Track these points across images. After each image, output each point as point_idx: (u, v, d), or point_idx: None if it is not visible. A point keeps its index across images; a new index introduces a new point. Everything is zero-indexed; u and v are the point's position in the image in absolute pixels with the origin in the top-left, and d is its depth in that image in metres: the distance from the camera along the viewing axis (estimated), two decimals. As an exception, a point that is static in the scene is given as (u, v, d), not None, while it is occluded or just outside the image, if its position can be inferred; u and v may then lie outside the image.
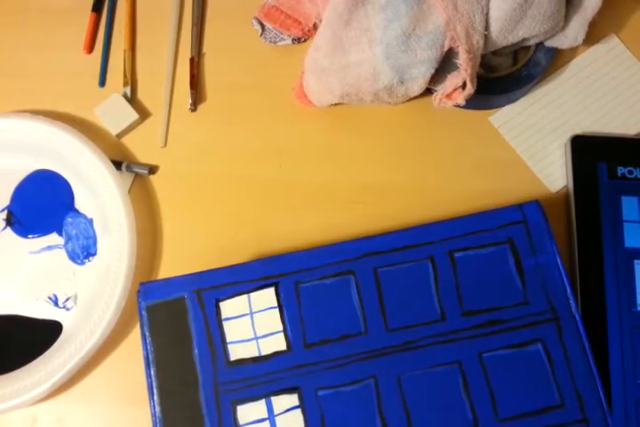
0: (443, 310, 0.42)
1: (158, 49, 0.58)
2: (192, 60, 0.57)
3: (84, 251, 0.53)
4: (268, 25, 0.56)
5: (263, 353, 0.42)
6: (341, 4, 0.48)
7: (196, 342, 0.43)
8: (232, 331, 0.43)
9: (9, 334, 0.52)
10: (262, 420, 0.41)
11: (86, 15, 0.59)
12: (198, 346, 0.43)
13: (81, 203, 0.54)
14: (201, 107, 0.57)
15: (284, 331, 0.43)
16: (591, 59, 0.55)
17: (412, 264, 0.43)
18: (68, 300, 0.52)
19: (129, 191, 0.54)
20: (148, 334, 0.43)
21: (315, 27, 0.56)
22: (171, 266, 0.53)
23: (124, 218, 0.51)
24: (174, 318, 0.43)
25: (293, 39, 0.56)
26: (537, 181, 0.53)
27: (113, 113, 0.56)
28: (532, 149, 0.54)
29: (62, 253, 0.53)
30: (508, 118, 0.54)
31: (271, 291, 0.43)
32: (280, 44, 0.57)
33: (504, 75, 0.52)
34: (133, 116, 0.55)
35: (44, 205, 0.54)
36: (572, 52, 0.55)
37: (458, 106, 0.49)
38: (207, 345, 0.43)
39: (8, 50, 0.59)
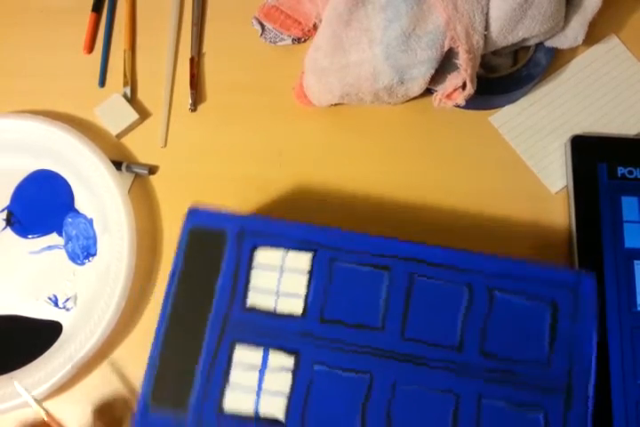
0: (463, 340, 0.42)
1: (158, 49, 0.58)
2: (192, 59, 0.57)
3: (83, 251, 0.53)
4: (267, 25, 0.56)
5: (278, 311, 0.42)
6: (341, 4, 0.48)
7: (221, 276, 0.43)
8: (258, 279, 0.43)
9: (9, 335, 0.52)
10: (254, 368, 0.41)
11: (86, 15, 0.59)
12: (222, 281, 0.43)
13: (81, 203, 0.54)
14: (201, 107, 0.57)
15: (306, 297, 0.43)
16: (591, 59, 0.55)
17: (450, 285, 0.43)
18: (67, 300, 0.52)
19: (129, 191, 0.54)
20: (182, 254, 0.43)
21: (315, 27, 0.56)
22: (170, 266, 0.53)
23: (123, 218, 0.51)
24: (211, 248, 0.44)
25: (293, 39, 0.56)
26: (537, 181, 0.53)
27: (113, 113, 0.56)
28: (532, 149, 0.54)
29: (62, 254, 0.53)
30: (508, 118, 0.54)
31: (309, 256, 0.43)
32: (280, 44, 0.57)
33: (504, 75, 0.52)
34: (133, 116, 0.55)
35: (43, 205, 0.54)
36: (572, 52, 0.55)
37: (458, 106, 0.49)
38: (231, 283, 0.43)
39: (8, 50, 0.59)
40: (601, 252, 0.49)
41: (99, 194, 0.52)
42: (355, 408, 0.41)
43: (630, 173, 0.51)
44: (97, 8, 0.60)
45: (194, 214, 0.44)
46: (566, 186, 0.52)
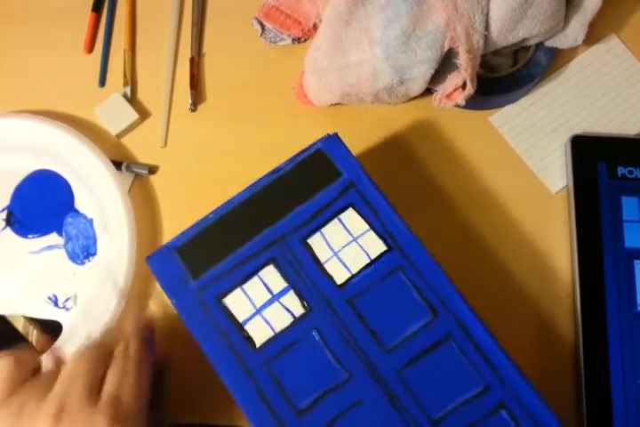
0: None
1: (158, 49, 0.58)
2: (192, 59, 0.57)
3: (83, 251, 0.53)
4: (268, 25, 0.56)
5: (327, 266, 0.43)
6: (341, 4, 0.48)
7: (307, 205, 0.44)
8: (330, 230, 0.44)
9: (9, 335, 0.52)
10: (270, 292, 0.43)
11: (86, 15, 0.59)
12: (304, 209, 0.44)
13: (81, 203, 0.54)
14: (201, 107, 0.57)
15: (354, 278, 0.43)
16: (591, 59, 0.55)
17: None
18: (67, 300, 0.52)
19: (129, 191, 0.54)
20: (295, 162, 0.46)
21: (315, 27, 0.56)
22: (171, 266, 0.53)
23: (123, 218, 0.51)
24: (319, 176, 0.45)
25: (293, 39, 0.56)
26: (537, 180, 0.53)
27: (113, 113, 0.56)
28: (532, 148, 0.54)
29: (62, 253, 0.53)
30: (508, 118, 0.54)
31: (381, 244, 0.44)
32: (280, 44, 0.57)
33: (504, 75, 0.52)
34: (133, 116, 0.55)
35: (43, 205, 0.54)
36: (572, 51, 0.55)
37: (458, 106, 0.49)
38: (308, 215, 0.44)
39: (8, 50, 0.59)
40: (601, 251, 0.49)
41: (99, 194, 0.52)
42: (320, 386, 0.41)
43: (630, 172, 0.51)
44: (97, 8, 0.60)
45: (331, 139, 0.45)
46: (566, 186, 0.52)
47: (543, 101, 0.55)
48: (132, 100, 0.57)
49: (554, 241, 0.51)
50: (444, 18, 0.46)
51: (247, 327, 0.42)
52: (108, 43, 0.59)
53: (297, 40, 0.56)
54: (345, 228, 0.44)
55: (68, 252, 0.53)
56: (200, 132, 0.56)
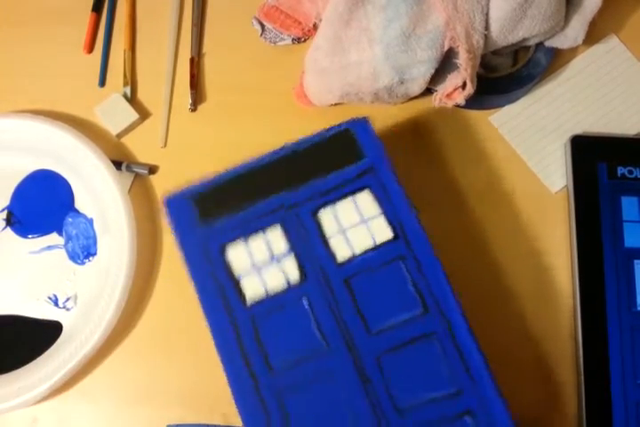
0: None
1: (158, 49, 0.58)
2: (192, 60, 0.57)
3: (84, 251, 0.53)
4: (268, 25, 0.56)
5: (331, 243, 0.44)
6: (342, 4, 0.48)
7: (326, 180, 0.45)
8: (342, 208, 0.44)
9: (9, 334, 0.52)
10: (271, 251, 0.44)
11: (86, 15, 0.59)
12: (322, 183, 0.45)
13: (81, 203, 0.54)
14: (201, 107, 0.57)
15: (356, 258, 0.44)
16: (591, 59, 0.55)
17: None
18: (68, 300, 0.52)
19: (129, 191, 0.54)
20: (326, 134, 0.46)
21: (315, 27, 0.56)
22: (171, 266, 0.53)
23: (124, 218, 0.51)
24: (340, 153, 0.45)
25: (293, 39, 0.56)
26: (537, 180, 0.53)
27: (113, 113, 0.56)
28: (532, 148, 0.54)
29: (62, 253, 0.53)
30: (508, 118, 0.54)
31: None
32: (280, 43, 0.57)
33: (504, 75, 0.52)
34: (133, 116, 0.55)
35: (44, 205, 0.54)
36: (572, 52, 0.55)
37: (458, 106, 0.49)
38: (324, 188, 0.45)
39: (8, 50, 0.59)
40: (601, 251, 0.49)
41: (99, 194, 0.52)
42: (297, 351, 0.42)
43: (630, 172, 0.51)
44: (97, 8, 0.60)
45: (361, 122, 0.46)
46: (566, 186, 0.52)
47: (543, 101, 0.55)
48: (132, 99, 0.57)
49: (554, 241, 0.51)
50: (443, 17, 0.46)
51: (242, 283, 0.43)
52: (108, 43, 0.59)
53: (297, 40, 0.56)
54: (357, 208, 0.44)
55: (68, 252, 0.53)
56: (200, 132, 0.56)
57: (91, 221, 0.54)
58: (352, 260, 0.43)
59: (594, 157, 0.51)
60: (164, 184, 0.55)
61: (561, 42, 0.52)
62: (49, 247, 0.54)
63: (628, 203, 0.50)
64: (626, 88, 0.54)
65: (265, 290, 0.43)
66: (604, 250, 0.49)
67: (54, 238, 0.54)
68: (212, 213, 0.45)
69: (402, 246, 0.43)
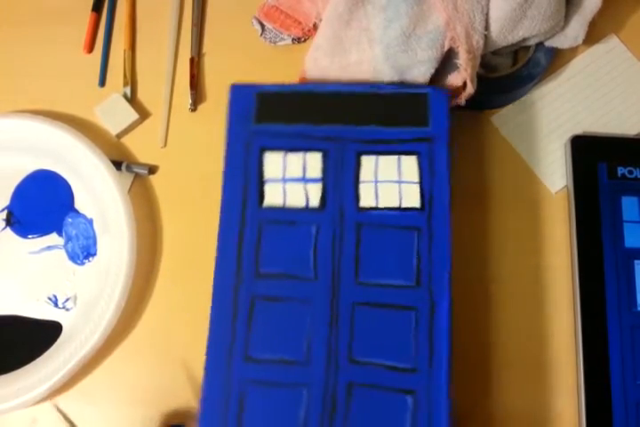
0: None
1: (158, 49, 0.58)
2: (192, 60, 0.57)
3: (83, 251, 0.53)
4: (268, 25, 0.56)
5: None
6: (342, 4, 0.48)
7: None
8: (370, 168, 0.45)
9: (9, 335, 0.52)
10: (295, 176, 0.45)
11: (86, 15, 0.59)
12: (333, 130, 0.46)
13: (81, 203, 0.54)
14: (201, 107, 0.57)
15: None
16: (591, 59, 0.55)
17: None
18: (67, 300, 0.52)
19: (129, 191, 0.54)
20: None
21: (315, 26, 0.56)
22: (171, 266, 0.53)
23: (123, 218, 0.50)
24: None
25: (293, 39, 0.56)
26: (537, 180, 0.53)
27: (113, 113, 0.56)
28: (532, 148, 0.54)
29: (62, 254, 0.53)
30: (509, 118, 0.54)
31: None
32: (280, 43, 0.57)
33: (504, 75, 0.52)
34: (133, 116, 0.55)
35: (43, 205, 0.54)
36: (572, 52, 0.55)
37: (458, 106, 0.49)
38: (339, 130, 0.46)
39: (8, 49, 0.59)
40: (601, 252, 0.49)
41: (99, 194, 0.52)
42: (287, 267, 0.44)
43: (630, 172, 0.51)
44: (97, 8, 0.60)
45: (442, 93, 0.46)
46: (566, 186, 0.52)
47: (543, 101, 0.55)
48: (132, 100, 0.57)
49: (554, 241, 0.51)
50: (444, 17, 0.46)
51: (266, 187, 0.45)
52: (108, 43, 0.59)
53: (297, 40, 0.56)
54: (399, 168, 0.45)
55: (67, 252, 0.53)
56: (200, 132, 0.56)
57: (90, 222, 0.53)
58: (372, 210, 0.44)
59: (594, 158, 0.51)
60: (164, 184, 0.55)
61: (561, 42, 0.52)
62: (49, 247, 0.54)
63: (628, 203, 0.50)
64: (626, 88, 0.54)
65: (283, 202, 0.45)
66: (605, 250, 0.49)
67: (54, 239, 0.54)
68: (269, 115, 0.46)
69: (423, 219, 0.44)
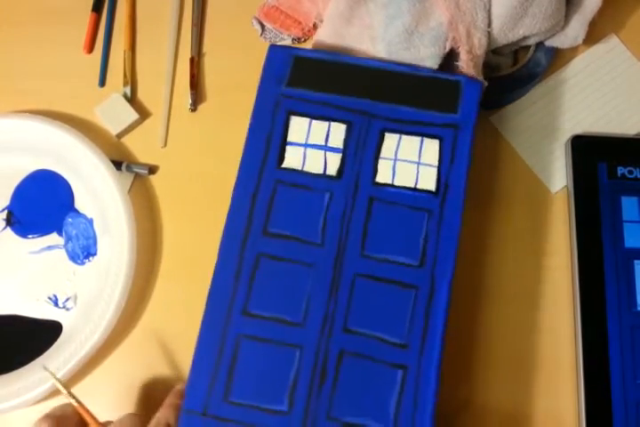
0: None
1: (158, 49, 0.58)
2: (192, 60, 0.57)
3: (84, 251, 0.53)
4: (267, 25, 0.56)
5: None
6: (343, 2, 0.48)
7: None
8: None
9: (9, 334, 0.52)
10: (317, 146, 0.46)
11: (86, 15, 0.59)
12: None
13: (81, 203, 0.54)
14: (201, 107, 0.57)
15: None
16: (591, 59, 0.55)
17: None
18: (67, 300, 0.52)
19: (129, 191, 0.54)
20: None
21: (314, 27, 0.56)
22: (171, 266, 0.53)
23: (124, 218, 0.51)
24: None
25: (293, 39, 0.56)
26: (537, 180, 0.53)
27: (113, 113, 0.56)
28: (532, 148, 0.54)
29: (62, 254, 0.53)
30: (508, 118, 0.54)
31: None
32: (280, 43, 0.57)
33: (504, 75, 0.52)
34: (133, 116, 0.55)
35: (44, 205, 0.54)
36: (572, 52, 0.55)
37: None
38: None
39: (8, 50, 0.59)
40: (601, 252, 0.49)
41: (99, 194, 0.52)
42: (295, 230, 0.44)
43: (630, 172, 0.51)
44: (97, 8, 0.60)
45: (475, 83, 0.47)
46: (566, 186, 0.52)
47: (543, 101, 0.55)
48: (132, 99, 0.57)
49: (554, 241, 0.51)
50: (446, 16, 0.46)
51: (288, 148, 0.46)
52: (108, 43, 0.59)
53: (297, 40, 0.56)
54: (420, 150, 0.45)
55: (68, 252, 0.53)
56: (200, 132, 0.56)
57: (91, 222, 0.53)
58: (387, 187, 0.45)
59: (594, 158, 0.51)
60: (164, 184, 0.55)
61: (561, 41, 0.52)
62: (49, 247, 0.54)
63: (628, 203, 0.50)
64: (626, 88, 0.54)
65: (302, 165, 0.45)
66: (604, 250, 0.49)
67: (54, 238, 0.54)
68: (302, 80, 0.47)
69: (435, 203, 0.44)
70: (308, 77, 0.47)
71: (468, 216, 0.52)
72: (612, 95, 0.54)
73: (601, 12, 0.50)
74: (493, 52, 0.53)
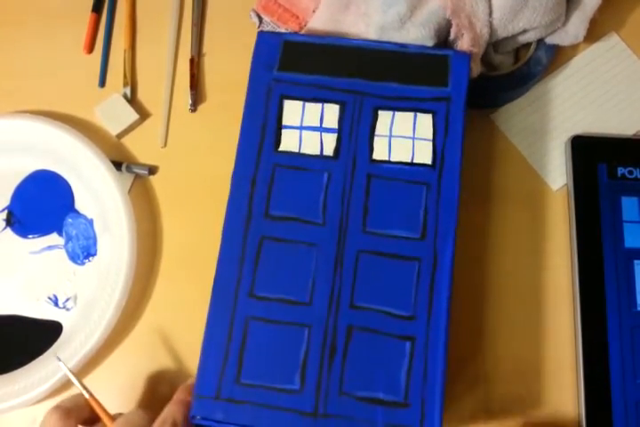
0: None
1: (158, 49, 0.58)
2: (192, 60, 0.57)
3: (84, 251, 0.53)
4: (265, 18, 0.56)
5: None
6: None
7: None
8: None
9: (9, 334, 0.52)
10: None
11: (86, 15, 0.59)
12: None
13: (81, 203, 0.54)
14: (201, 107, 0.57)
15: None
16: (592, 57, 0.55)
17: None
18: (68, 300, 0.52)
19: (129, 192, 0.54)
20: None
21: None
22: (171, 266, 0.53)
23: (124, 218, 0.51)
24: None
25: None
26: (539, 178, 0.53)
27: (113, 113, 0.56)
28: (533, 146, 0.53)
29: (62, 254, 0.53)
30: (510, 116, 0.54)
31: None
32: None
33: (505, 73, 0.52)
34: (133, 116, 0.55)
35: (44, 205, 0.54)
36: (573, 50, 0.55)
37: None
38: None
39: (8, 50, 0.59)
40: (601, 252, 0.49)
41: (99, 194, 0.52)
42: (297, 211, 0.45)
43: (630, 173, 0.50)
44: (97, 8, 0.59)
45: (463, 56, 0.47)
46: (567, 184, 0.52)
47: (544, 99, 0.54)
48: (132, 100, 0.57)
49: (554, 240, 0.51)
50: (447, 5, 0.47)
51: (284, 132, 0.46)
52: (108, 43, 0.59)
53: (294, 34, 0.56)
54: (414, 125, 0.46)
55: (68, 252, 0.53)
56: (200, 132, 0.56)
57: (91, 222, 0.54)
58: (384, 163, 0.45)
59: (594, 158, 0.51)
60: (165, 185, 0.55)
61: (561, 39, 0.52)
62: (49, 247, 0.54)
63: (628, 203, 0.50)
64: (627, 86, 0.54)
65: (298, 148, 0.46)
66: (604, 250, 0.49)
67: (54, 239, 0.54)
68: (293, 64, 0.47)
69: (433, 176, 0.44)
70: (298, 61, 0.47)
71: (469, 214, 0.52)
72: (612, 93, 0.54)
73: (602, 10, 0.50)
74: (495, 50, 0.52)
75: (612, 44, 0.55)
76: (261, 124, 0.46)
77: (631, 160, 0.51)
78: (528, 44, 0.53)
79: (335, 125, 0.46)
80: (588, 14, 0.50)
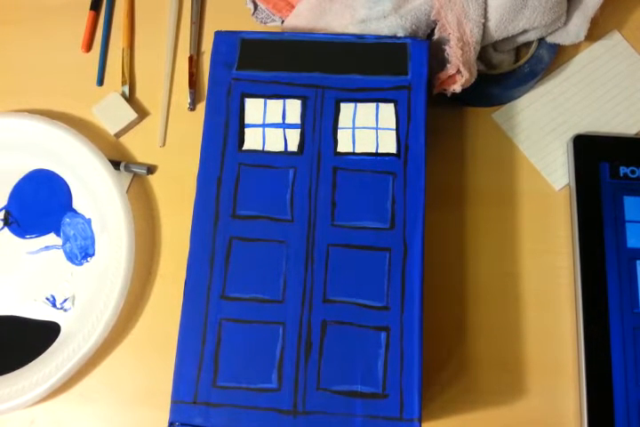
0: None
1: (157, 47, 0.58)
2: (191, 58, 0.57)
3: (82, 251, 0.53)
4: (261, 5, 0.56)
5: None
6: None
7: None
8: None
9: (7, 335, 0.52)
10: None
11: (84, 13, 0.59)
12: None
13: (79, 203, 0.54)
14: (200, 106, 0.56)
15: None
16: (594, 56, 0.55)
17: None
18: (65, 301, 0.52)
19: (127, 191, 0.54)
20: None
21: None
22: (169, 266, 0.53)
23: (122, 218, 0.50)
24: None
25: (283, 21, 0.56)
26: (540, 178, 0.53)
27: (111, 112, 0.55)
28: (535, 145, 0.53)
29: (60, 254, 0.53)
30: (511, 115, 0.54)
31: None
32: (270, 24, 0.56)
33: (507, 71, 0.52)
34: (132, 115, 0.55)
35: (41, 205, 0.54)
36: (575, 49, 0.55)
37: (460, 102, 0.49)
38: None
39: (5, 48, 0.59)
40: (603, 252, 0.48)
41: (97, 194, 0.52)
42: (264, 209, 0.44)
43: (633, 172, 0.50)
44: (95, 6, 0.59)
45: (422, 44, 0.47)
46: (569, 184, 0.52)
47: (546, 98, 0.54)
48: (131, 99, 0.57)
49: (556, 240, 0.51)
50: (435, 7, 0.46)
51: (247, 131, 0.46)
52: (107, 41, 0.59)
53: (287, 22, 0.56)
54: (376, 115, 0.46)
55: (65, 252, 0.53)
56: (199, 131, 0.55)
57: (89, 222, 0.53)
58: (349, 155, 0.45)
59: (596, 157, 0.51)
60: (163, 184, 0.55)
61: (563, 38, 0.51)
62: (47, 248, 0.53)
63: (630, 203, 0.49)
64: (629, 85, 0.54)
65: (262, 146, 0.45)
66: (607, 250, 0.49)
67: (52, 239, 0.53)
68: (251, 62, 0.47)
69: (398, 165, 0.44)
70: (256, 59, 0.47)
71: (470, 213, 0.52)
72: (615, 92, 0.54)
73: (603, 9, 0.50)
74: (495, 49, 0.52)
75: (614, 42, 0.55)
76: (224, 123, 0.46)
77: (634, 159, 0.50)
78: (529, 43, 0.52)
79: (298, 121, 0.46)
80: (590, 13, 0.50)
